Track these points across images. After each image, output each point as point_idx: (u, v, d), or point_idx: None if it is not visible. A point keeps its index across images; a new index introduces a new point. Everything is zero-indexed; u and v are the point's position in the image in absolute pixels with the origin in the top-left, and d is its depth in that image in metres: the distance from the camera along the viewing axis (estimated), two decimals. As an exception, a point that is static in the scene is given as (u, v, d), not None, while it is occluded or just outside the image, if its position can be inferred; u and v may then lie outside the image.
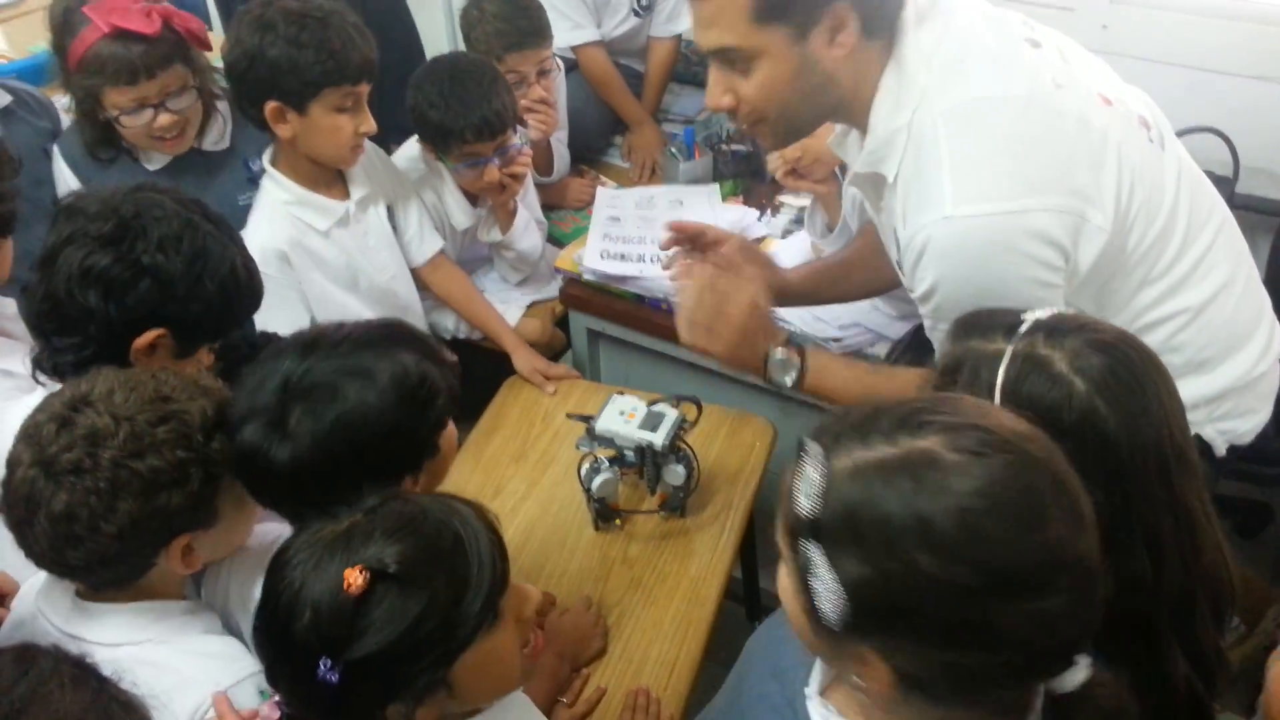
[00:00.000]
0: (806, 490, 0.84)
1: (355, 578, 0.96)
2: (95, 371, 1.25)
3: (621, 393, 1.83)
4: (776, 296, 1.74)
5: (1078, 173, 1.34)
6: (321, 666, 0.96)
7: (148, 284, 1.36)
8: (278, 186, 2.05)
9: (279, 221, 2.04)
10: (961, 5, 1.48)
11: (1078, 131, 1.36)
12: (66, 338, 1.39)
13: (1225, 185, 2.50)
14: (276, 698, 1.03)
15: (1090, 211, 1.34)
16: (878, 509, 0.80)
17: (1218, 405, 1.49)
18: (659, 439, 1.71)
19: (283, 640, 1.00)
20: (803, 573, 0.84)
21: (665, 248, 1.82)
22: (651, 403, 1.78)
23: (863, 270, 1.85)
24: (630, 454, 1.75)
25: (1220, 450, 1.51)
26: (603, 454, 1.77)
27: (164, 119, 1.95)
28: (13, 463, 1.18)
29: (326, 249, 2.09)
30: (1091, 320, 1.12)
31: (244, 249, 1.48)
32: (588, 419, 1.78)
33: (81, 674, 0.96)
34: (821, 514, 0.83)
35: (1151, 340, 1.47)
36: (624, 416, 1.76)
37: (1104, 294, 1.43)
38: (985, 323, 1.12)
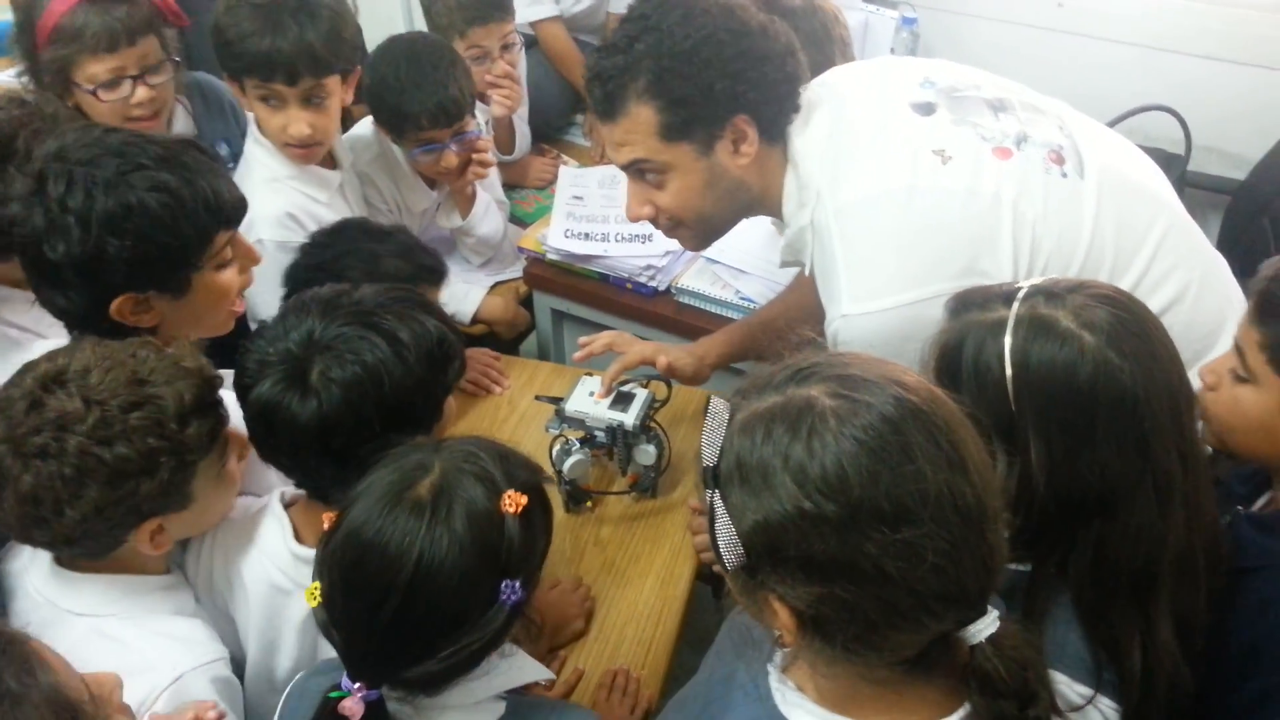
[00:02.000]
0: (710, 442, 0.90)
1: (518, 499, 1.05)
2: (76, 342, 1.22)
3: (590, 374, 1.83)
4: (717, 363, 1.88)
5: (969, 250, 1.38)
6: (505, 590, 1.03)
7: (68, 272, 1.31)
8: (275, 159, 1.98)
9: (284, 194, 1.98)
10: (850, 88, 1.54)
11: (965, 206, 1.39)
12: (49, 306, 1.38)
13: (1177, 163, 2.55)
14: (363, 693, 1.01)
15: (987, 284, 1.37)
16: (759, 452, 0.86)
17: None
18: (630, 419, 1.71)
19: (450, 589, 1.02)
20: (710, 523, 0.89)
21: (580, 360, 1.87)
22: (621, 383, 1.78)
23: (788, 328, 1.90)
24: (601, 435, 1.74)
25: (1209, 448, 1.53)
26: (572, 435, 1.77)
27: (141, 92, 1.84)
28: None
29: (328, 216, 2.02)
30: (1088, 280, 1.14)
31: (157, 167, 1.34)
32: (557, 401, 1.77)
33: None
34: (719, 463, 0.89)
35: None
36: (593, 397, 1.75)
37: None
38: (981, 296, 1.14)
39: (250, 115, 2.02)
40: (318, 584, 1.05)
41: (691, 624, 1.67)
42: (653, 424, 1.76)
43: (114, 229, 1.29)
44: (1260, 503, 1.31)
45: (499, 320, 2.40)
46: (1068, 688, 1.05)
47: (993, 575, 0.87)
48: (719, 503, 0.88)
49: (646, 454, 1.74)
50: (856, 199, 1.42)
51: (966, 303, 1.14)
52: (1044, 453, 1.05)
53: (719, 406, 0.92)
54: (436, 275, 1.82)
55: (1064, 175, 1.44)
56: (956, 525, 0.83)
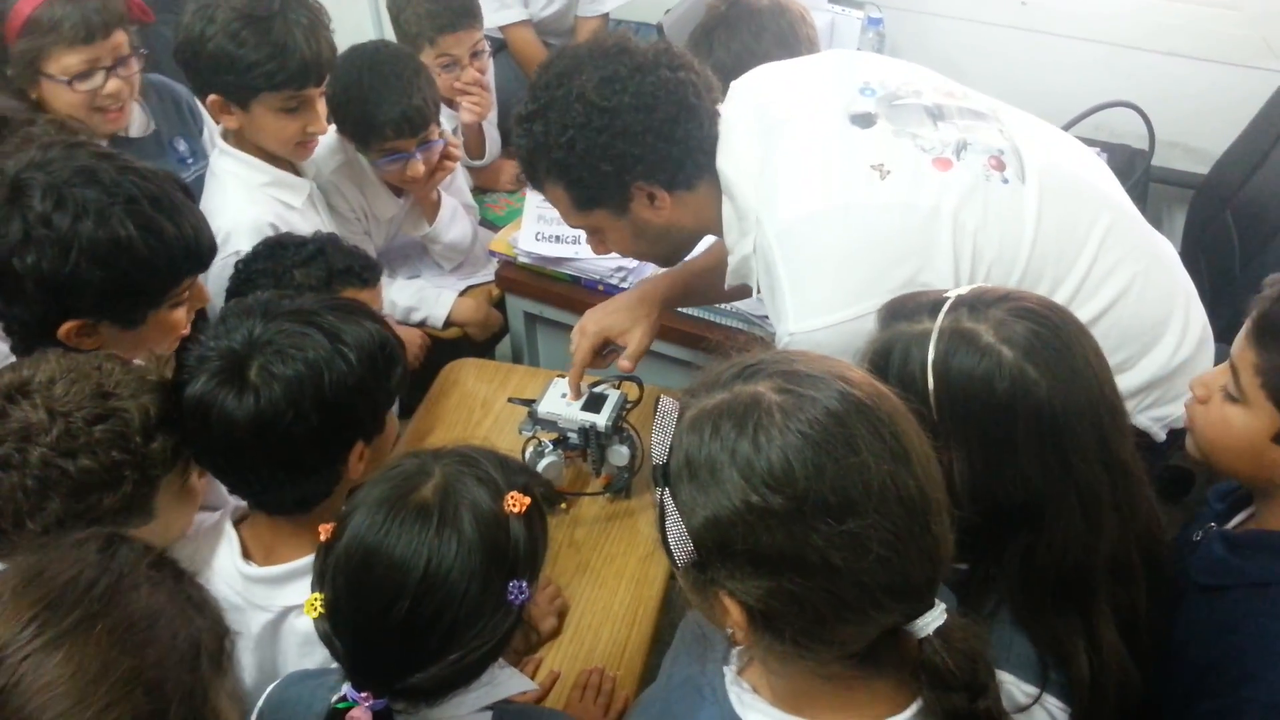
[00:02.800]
0: (659, 441, 0.91)
1: (521, 499, 1.06)
2: (41, 354, 1.21)
3: (562, 375, 1.83)
4: (665, 312, 1.88)
5: (908, 265, 1.39)
6: (513, 591, 1.03)
7: (31, 285, 1.30)
8: (246, 168, 1.99)
9: (261, 203, 1.97)
10: (785, 100, 1.53)
11: (904, 220, 1.40)
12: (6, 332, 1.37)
13: (1141, 159, 2.58)
14: (369, 702, 1.01)
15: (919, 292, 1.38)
16: (707, 448, 0.87)
17: (1144, 396, 1.51)
18: (602, 420, 1.72)
19: (460, 591, 1.01)
20: (660, 521, 0.90)
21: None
22: (593, 384, 1.78)
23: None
24: (574, 436, 1.75)
25: (1160, 436, 1.53)
26: (545, 437, 1.77)
27: (113, 84, 1.89)
28: None
29: (302, 225, 2.03)
30: (1014, 290, 1.15)
31: (151, 206, 1.35)
32: (529, 402, 1.78)
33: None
34: (668, 461, 0.90)
35: None
36: (565, 399, 1.76)
37: None
38: (910, 305, 1.15)
39: (215, 126, 2.02)
40: (318, 595, 1.04)
41: (667, 624, 1.68)
42: (625, 424, 1.76)
43: (96, 258, 1.29)
44: (1237, 520, 1.31)
45: (471, 322, 2.40)
46: (1015, 687, 1.05)
47: (938, 567, 0.87)
48: (668, 500, 0.89)
49: (619, 454, 1.75)
50: (795, 218, 1.43)
51: (895, 313, 1.15)
52: (965, 463, 1.05)
53: (668, 405, 0.92)
54: (358, 277, 1.79)
55: (1005, 181, 1.45)
56: (900, 516, 0.83)
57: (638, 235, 1.57)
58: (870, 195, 1.41)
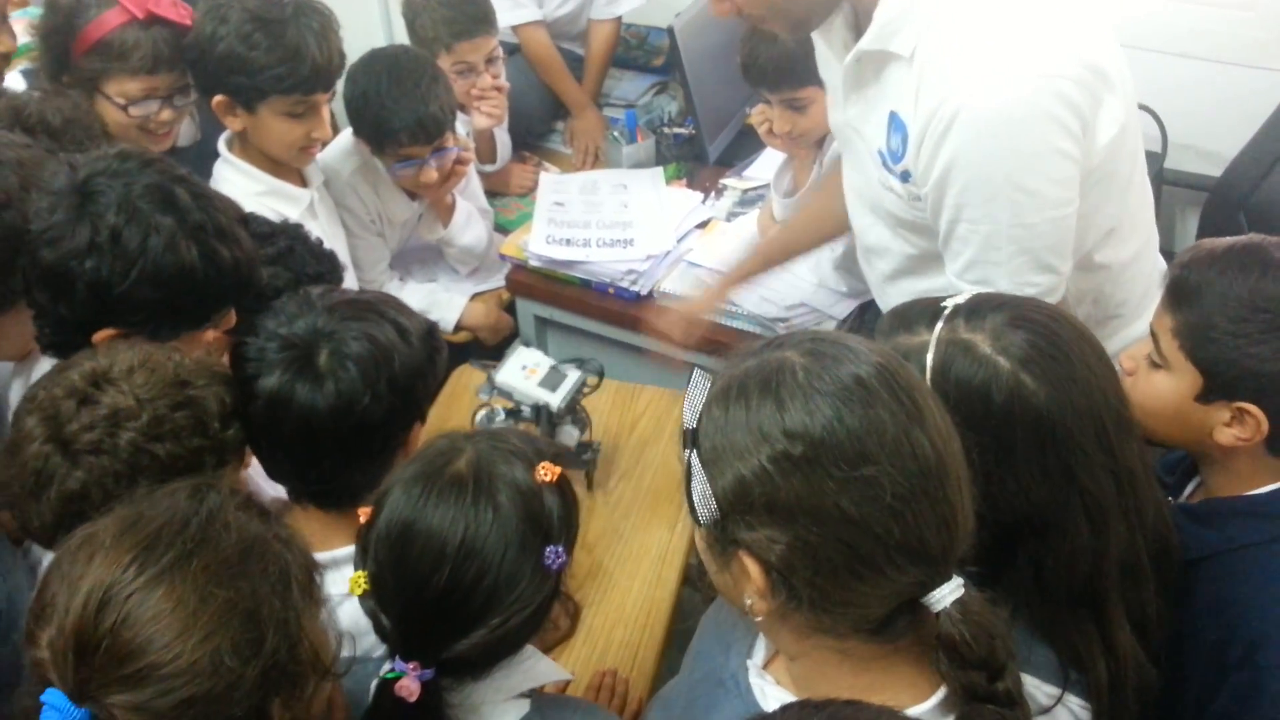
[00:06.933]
0: (691, 406, 0.94)
1: (552, 469, 1.09)
2: (110, 345, 1.22)
3: (527, 345, 1.83)
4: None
5: (1099, 58, 1.35)
6: (550, 556, 1.06)
7: (83, 289, 1.30)
8: (244, 176, 1.99)
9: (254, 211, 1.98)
10: None
11: (1094, 31, 1.37)
12: (37, 322, 1.38)
13: (1154, 161, 2.57)
14: (418, 672, 1.03)
15: (1107, 97, 1.35)
16: (735, 411, 0.90)
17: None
18: (556, 400, 1.70)
19: (499, 556, 1.04)
20: (686, 482, 0.93)
21: None
22: (561, 362, 1.76)
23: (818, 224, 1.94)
24: (526, 410, 1.74)
25: None
26: (499, 404, 1.76)
27: (166, 113, 1.91)
28: (23, 438, 1.15)
29: None
30: (1010, 298, 1.14)
31: (215, 236, 1.35)
32: (492, 366, 1.77)
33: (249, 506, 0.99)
34: (698, 426, 0.93)
35: (1084, 283, 1.48)
36: (525, 371, 1.74)
37: (1087, 207, 1.40)
38: (908, 315, 1.14)
39: (223, 135, 2.02)
40: (361, 573, 1.07)
41: (678, 627, 1.67)
42: (579, 408, 1.75)
43: (155, 279, 1.30)
44: (1189, 490, 1.33)
45: (481, 327, 2.41)
46: (1037, 689, 1.04)
47: (954, 536, 0.88)
48: (695, 462, 0.91)
49: (568, 434, 1.74)
50: None
51: (895, 325, 1.15)
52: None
53: (700, 376, 0.95)
54: (326, 283, 1.70)
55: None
56: (914, 472, 0.86)
57: None
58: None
